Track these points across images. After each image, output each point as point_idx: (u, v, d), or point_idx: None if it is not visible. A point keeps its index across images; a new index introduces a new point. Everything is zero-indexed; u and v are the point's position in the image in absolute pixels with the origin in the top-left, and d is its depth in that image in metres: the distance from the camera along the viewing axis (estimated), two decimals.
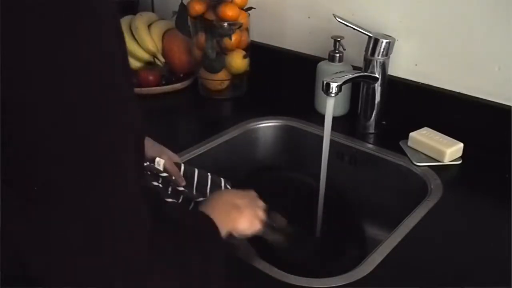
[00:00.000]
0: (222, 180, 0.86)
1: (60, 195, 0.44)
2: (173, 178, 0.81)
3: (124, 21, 1.27)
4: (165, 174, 0.80)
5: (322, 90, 0.89)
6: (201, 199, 0.81)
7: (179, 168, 0.84)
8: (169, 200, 0.80)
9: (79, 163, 0.44)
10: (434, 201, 0.84)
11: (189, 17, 1.17)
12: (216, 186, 0.85)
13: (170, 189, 0.81)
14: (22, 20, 0.39)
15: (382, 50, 0.97)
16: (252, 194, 0.76)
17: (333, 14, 0.96)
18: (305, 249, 0.92)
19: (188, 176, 0.83)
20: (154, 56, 1.26)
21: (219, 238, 0.62)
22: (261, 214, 0.73)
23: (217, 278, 0.59)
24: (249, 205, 0.72)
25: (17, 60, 0.40)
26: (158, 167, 0.79)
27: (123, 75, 0.48)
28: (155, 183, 0.79)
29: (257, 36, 1.25)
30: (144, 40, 1.23)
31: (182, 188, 0.81)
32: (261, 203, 0.75)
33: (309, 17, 1.16)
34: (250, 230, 0.71)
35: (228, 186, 0.86)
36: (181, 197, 0.81)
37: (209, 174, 0.86)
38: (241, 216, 0.70)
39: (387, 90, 1.02)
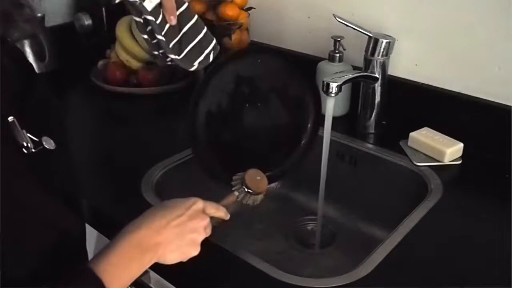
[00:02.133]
0: (212, 44, 0.77)
1: None
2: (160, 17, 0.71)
3: (124, 21, 1.27)
4: (150, 18, 0.70)
5: (322, 90, 0.89)
6: (174, 56, 0.74)
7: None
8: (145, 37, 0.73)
9: None
10: (434, 201, 0.84)
11: None
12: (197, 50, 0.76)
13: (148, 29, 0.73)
14: None
15: (382, 50, 0.97)
16: (189, 208, 0.66)
17: (333, 14, 0.96)
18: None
19: (181, 23, 0.74)
20: (154, 56, 1.25)
21: None
22: (197, 234, 0.65)
23: None
24: (177, 226, 0.63)
25: None
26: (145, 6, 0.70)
27: None
28: (137, 18, 0.72)
29: (257, 36, 1.25)
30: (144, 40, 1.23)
31: (161, 37, 0.72)
32: (206, 222, 0.67)
33: (309, 17, 1.16)
34: (182, 258, 0.64)
35: (211, 55, 0.78)
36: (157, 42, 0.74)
37: (201, 34, 0.76)
38: (158, 251, 0.61)
39: (387, 90, 1.02)
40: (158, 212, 0.64)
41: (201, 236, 0.66)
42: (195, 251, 0.65)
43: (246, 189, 0.76)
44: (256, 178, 0.78)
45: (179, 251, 0.64)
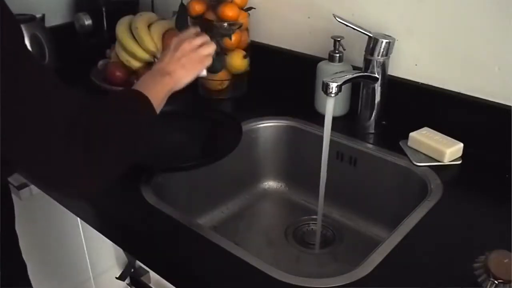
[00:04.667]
0: None
1: None
2: None
3: (124, 21, 1.27)
4: None
5: (322, 90, 0.89)
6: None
7: None
8: None
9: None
10: (434, 201, 0.84)
11: (189, 17, 1.17)
12: None
13: None
14: None
15: (382, 50, 0.97)
16: (187, 37, 0.87)
17: (333, 14, 0.96)
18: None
19: None
20: (154, 56, 1.26)
21: (149, 109, 0.73)
22: (200, 53, 0.86)
23: (147, 142, 0.72)
24: (182, 56, 0.84)
25: None
26: None
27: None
28: None
29: (257, 36, 1.25)
30: (144, 40, 1.23)
31: None
32: (196, 41, 0.87)
33: (309, 17, 1.16)
34: (194, 75, 0.85)
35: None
36: None
37: None
38: (173, 76, 0.82)
39: (387, 90, 1.02)
40: (163, 56, 0.86)
41: (201, 50, 0.87)
42: (202, 65, 0.87)
43: (496, 281, 0.62)
44: (504, 262, 0.64)
45: (190, 71, 0.85)
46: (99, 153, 0.63)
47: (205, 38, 0.90)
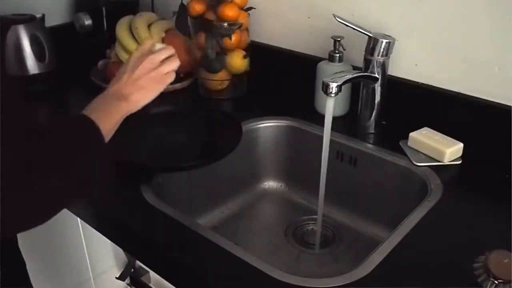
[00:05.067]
0: None
1: None
2: None
3: (124, 21, 1.27)
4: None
5: (322, 90, 0.89)
6: None
7: None
8: None
9: None
10: (434, 201, 0.84)
11: (189, 17, 1.17)
12: None
13: None
14: None
15: (382, 50, 0.97)
16: (148, 52, 0.81)
17: (333, 14, 0.96)
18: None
19: None
20: None
21: (97, 137, 0.68)
22: (158, 72, 0.80)
23: (98, 176, 0.67)
24: (141, 76, 0.78)
25: None
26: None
27: None
28: None
29: (257, 36, 1.25)
30: (144, 40, 1.23)
31: None
32: (158, 57, 0.80)
33: (309, 17, 1.16)
34: (153, 96, 0.79)
35: None
36: None
37: None
38: (130, 100, 0.76)
39: (387, 90, 1.02)
40: (119, 75, 0.79)
41: (163, 68, 0.80)
42: (163, 84, 0.81)
43: (496, 281, 0.62)
44: (504, 262, 0.64)
45: (149, 92, 0.79)
46: (41, 184, 0.58)
47: (169, 51, 0.83)
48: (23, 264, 0.88)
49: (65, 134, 0.65)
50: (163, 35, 1.26)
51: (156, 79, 0.79)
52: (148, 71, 0.79)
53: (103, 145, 0.69)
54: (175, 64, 0.82)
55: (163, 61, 0.81)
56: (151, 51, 0.81)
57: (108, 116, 0.72)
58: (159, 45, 0.83)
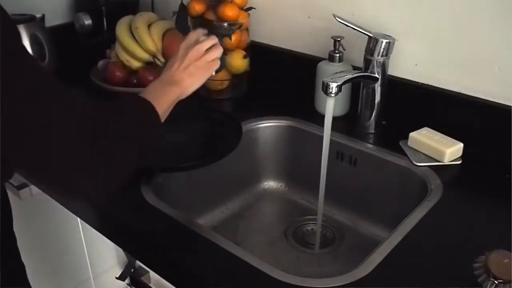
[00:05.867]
0: None
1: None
2: None
3: (124, 21, 1.27)
4: None
5: (322, 90, 0.89)
6: None
7: None
8: None
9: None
10: (434, 201, 0.84)
11: (189, 17, 1.17)
12: None
13: None
14: None
15: (382, 50, 0.97)
16: (194, 41, 0.88)
17: (333, 14, 0.96)
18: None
19: None
20: (154, 56, 1.26)
21: (154, 116, 0.74)
22: (204, 60, 0.86)
23: (152, 149, 0.72)
24: (189, 64, 0.84)
25: None
26: None
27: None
28: None
29: (257, 36, 1.25)
30: (144, 40, 1.23)
31: None
32: (203, 46, 0.86)
33: (309, 17, 1.16)
34: (202, 81, 0.86)
35: None
36: None
37: None
38: (181, 85, 0.82)
39: (387, 90, 1.02)
40: (171, 63, 0.86)
41: (208, 56, 0.86)
42: (210, 71, 0.87)
43: (496, 281, 0.62)
44: (504, 262, 0.64)
45: (198, 78, 0.85)
46: (106, 155, 0.63)
47: (213, 40, 0.89)
48: (22, 265, 0.88)
49: (126, 111, 0.72)
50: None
51: (203, 66, 0.86)
52: (195, 59, 0.86)
53: (159, 126, 0.75)
54: (218, 51, 0.89)
55: (207, 50, 0.88)
56: (197, 42, 0.88)
57: (163, 99, 0.78)
58: (203, 37, 0.90)
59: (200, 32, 0.91)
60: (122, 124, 0.68)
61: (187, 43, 0.89)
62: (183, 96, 0.84)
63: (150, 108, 0.74)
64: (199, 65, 0.86)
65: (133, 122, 0.71)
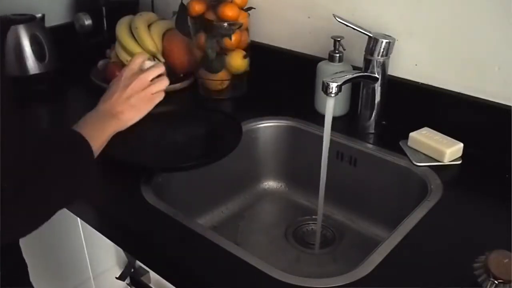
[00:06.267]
0: None
1: None
2: None
3: (124, 21, 1.27)
4: None
5: (322, 90, 0.89)
6: None
7: None
8: None
9: None
10: (434, 201, 0.84)
11: (189, 17, 1.17)
12: None
13: None
14: None
15: (382, 50, 0.97)
16: (137, 71, 0.83)
17: (333, 14, 0.96)
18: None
19: None
20: (154, 56, 1.26)
21: (88, 153, 0.70)
22: (148, 91, 0.82)
23: (83, 186, 0.69)
24: (131, 96, 0.81)
25: None
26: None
27: None
28: None
29: (257, 36, 1.25)
30: (144, 40, 1.23)
31: None
32: (148, 77, 0.83)
33: (309, 17, 1.16)
34: (143, 114, 0.82)
35: None
36: None
37: None
38: (121, 118, 0.79)
39: (387, 90, 1.02)
40: (109, 93, 0.82)
41: (152, 88, 0.83)
42: (152, 104, 0.84)
43: (496, 281, 0.62)
44: (504, 262, 0.64)
45: (139, 111, 0.82)
46: (32, 196, 0.59)
47: (158, 70, 0.84)
48: (24, 263, 0.88)
49: (57, 149, 0.66)
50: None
51: (146, 98, 0.82)
52: (138, 90, 0.81)
53: (93, 162, 0.71)
54: (164, 84, 0.84)
55: (152, 80, 0.83)
56: (141, 70, 0.83)
57: (99, 133, 0.74)
58: (149, 63, 0.85)
59: (144, 57, 0.86)
60: (55, 164, 0.63)
61: (130, 70, 0.83)
62: (122, 129, 0.79)
63: (84, 146, 0.69)
64: (142, 96, 0.81)
65: (66, 161, 0.66)
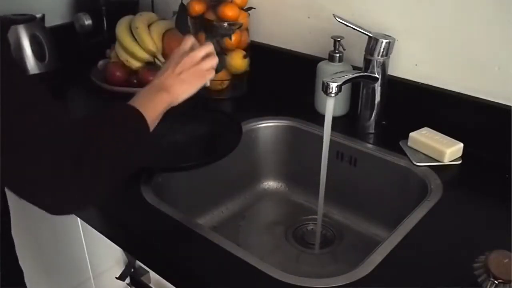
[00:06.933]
0: None
1: None
2: None
3: (124, 21, 1.27)
4: None
5: (322, 90, 0.89)
6: None
7: None
8: None
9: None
10: (434, 201, 0.84)
11: (189, 17, 1.17)
12: None
13: None
14: None
15: (382, 50, 0.97)
16: (189, 48, 0.85)
17: (333, 14, 0.96)
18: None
19: None
20: (154, 56, 1.26)
21: (143, 126, 0.71)
22: (202, 67, 0.83)
23: (138, 161, 0.70)
24: (182, 71, 0.82)
25: None
26: None
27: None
28: None
29: (257, 36, 1.25)
30: (144, 40, 1.23)
31: None
32: (199, 54, 0.84)
33: (309, 17, 1.16)
34: (194, 90, 0.83)
35: None
36: None
37: None
38: (172, 92, 0.79)
39: (387, 90, 1.02)
40: (163, 69, 0.83)
41: (203, 65, 0.84)
42: (203, 80, 0.84)
43: (496, 281, 0.62)
44: (504, 262, 0.64)
45: (190, 86, 0.82)
46: (90, 173, 0.60)
47: (209, 48, 0.86)
48: (20, 270, 0.88)
49: (114, 123, 0.68)
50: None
51: (197, 74, 0.83)
52: (189, 66, 0.83)
53: (148, 134, 0.72)
54: (214, 61, 0.86)
55: (203, 59, 0.85)
56: (192, 49, 0.85)
57: (152, 106, 0.75)
58: (198, 44, 0.87)
59: (194, 40, 0.88)
60: (109, 139, 0.65)
61: (182, 49, 0.85)
62: (175, 103, 0.81)
63: (139, 117, 0.71)
64: (192, 72, 0.83)
65: (121, 134, 0.68)
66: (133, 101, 0.74)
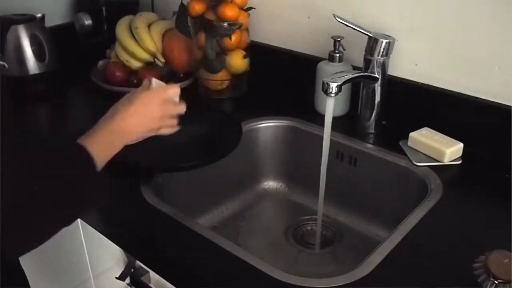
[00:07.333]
0: None
1: None
2: None
3: (124, 21, 1.27)
4: None
5: (322, 90, 0.89)
6: None
7: None
8: None
9: None
10: (434, 201, 0.84)
11: (189, 17, 1.17)
12: None
13: None
14: None
15: (382, 50, 0.97)
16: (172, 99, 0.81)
17: (333, 14, 0.96)
18: None
19: None
20: (154, 56, 1.26)
21: (89, 165, 0.67)
22: (170, 122, 0.81)
23: (84, 203, 0.67)
24: (160, 118, 0.78)
25: None
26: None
27: None
28: None
29: (257, 36, 1.25)
30: (144, 40, 1.23)
31: None
32: (180, 110, 0.82)
33: (309, 17, 1.16)
34: (149, 133, 0.78)
35: None
36: None
37: None
38: (133, 137, 0.76)
39: (387, 90, 1.02)
40: (120, 105, 0.77)
41: (172, 121, 0.81)
42: (157, 132, 0.80)
43: (496, 281, 0.62)
44: (504, 262, 0.64)
45: (148, 132, 0.78)
46: (26, 224, 0.58)
47: (182, 108, 0.83)
48: (21, 271, 0.87)
49: (55, 165, 0.64)
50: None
51: (166, 125, 0.82)
52: (166, 117, 0.80)
53: (94, 177, 0.68)
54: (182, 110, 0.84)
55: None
56: (172, 100, 0.82)
57: (108, 147, 0.72)
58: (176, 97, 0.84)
59: (178, 92, 0.83)
60: (50, 183, 0.61)
61: (165, 96, 0.80)
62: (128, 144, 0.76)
63: (85, 159, 0.66)
64: (163, 123, 0.80)
65: (62, 179, 0.63)
66: (84, 140, 0.70)
